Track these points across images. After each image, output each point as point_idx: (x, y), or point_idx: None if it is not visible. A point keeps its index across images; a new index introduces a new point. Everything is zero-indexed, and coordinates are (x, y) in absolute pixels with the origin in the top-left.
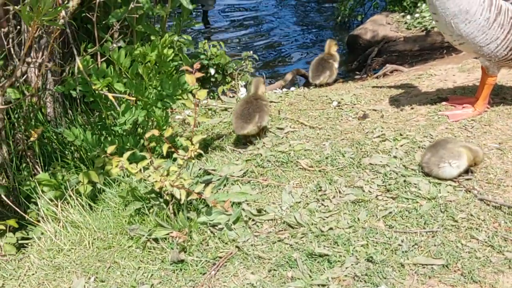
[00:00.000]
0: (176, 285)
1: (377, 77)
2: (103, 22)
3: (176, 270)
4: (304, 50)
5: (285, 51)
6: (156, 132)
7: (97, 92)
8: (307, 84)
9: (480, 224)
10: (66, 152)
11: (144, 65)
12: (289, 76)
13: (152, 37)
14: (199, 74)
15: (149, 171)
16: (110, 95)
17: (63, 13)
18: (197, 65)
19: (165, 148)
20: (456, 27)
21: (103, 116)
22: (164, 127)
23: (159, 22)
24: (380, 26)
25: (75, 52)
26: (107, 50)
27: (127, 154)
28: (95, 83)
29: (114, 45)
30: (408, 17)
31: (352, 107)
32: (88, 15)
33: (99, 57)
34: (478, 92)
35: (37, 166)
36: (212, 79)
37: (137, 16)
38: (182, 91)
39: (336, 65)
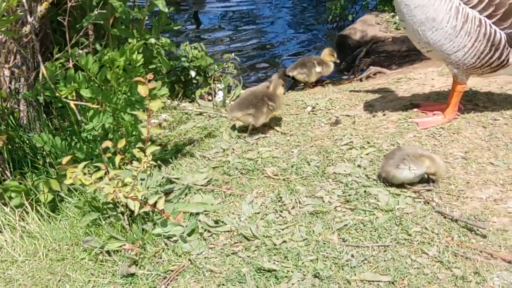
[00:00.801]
0: None
1: (360, 80)
2: (77, 26)
3: (126, 284)
4: (294, 50)
5: (274, 51)
6: (109, 144)
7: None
8: (294, 86)
9: (433, 238)
10: (38, 158)
11: (113, 71)
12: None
13: (130, 40)
14: (153, 85)
15: (103, 182)
16: (72, 103)
17: (30, 19)
18: (150, 76)
19: (117, 159)
20: (423, 35)
21: (73, 121)
22: (134, 133)
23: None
24: (370, 26)
25: (40, 59)
26: (73, 55)
27: (82, 165)
28: (61, 89)
29: (81, 51)
30: (397, 17)
31: (326, 112)
32: (60, 19)
33: (70, 62)
34: (449, 99)
35: (6, 172)
36: (194, 81)
37: (113, 19)
38: (151, 96)
39: (318, 69)
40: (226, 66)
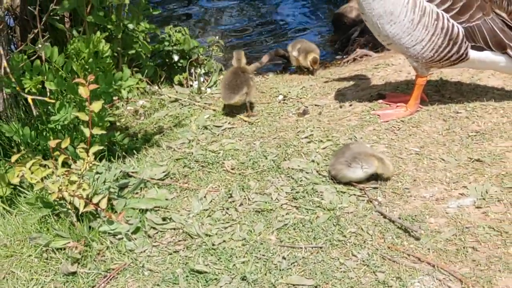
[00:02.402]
0: None
1: (348, 62)
2: (51, 14)
3: (67, 282)
4: (290, 30)
5: (269, 31)
6: (53, 144)
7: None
8: (286, 69)
9: (365, 240)
10: (13, 147)
11: (78, 62)
12: (265, 58)
13: (109, 26)
14: (93, 86)
15: (50, 180)
16: (29, 97)
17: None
18: (91, 77)
19: (60, 159)
20: (382, 28)
21: (41, 112)
22: (101, 124)
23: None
24: None
25: (1, 52)
26: (31, 48)
27: (30, 163)
28: (26, 82)
29: (46, 42)
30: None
31: (297, 102)
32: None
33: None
34: (412, 92)
35: None
36: (179, 65)
37: (90, 6)
38: (117, 87)
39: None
40: (211, 49)
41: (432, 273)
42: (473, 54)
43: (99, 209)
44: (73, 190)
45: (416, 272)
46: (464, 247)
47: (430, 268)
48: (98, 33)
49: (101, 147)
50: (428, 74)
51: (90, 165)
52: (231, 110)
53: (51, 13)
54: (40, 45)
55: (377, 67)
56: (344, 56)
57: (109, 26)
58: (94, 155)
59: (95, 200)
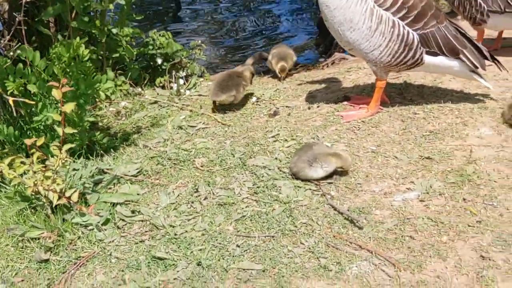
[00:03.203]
0: (35, 282)
1: (327, 65)
2: (36, 20)
3: (40, 269)
4: (282, 34)
5: (261, 34)
6: (29, 142)
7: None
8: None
9: (314, 230)
10: None
11: (60, 66)
12: (250, 61)
13: (94, 31)
14: (67, 89)
15: (27, 176)
16: (10, 99)
17: None
18: (64, 80)
19: (35, 156)
20: (343, 35)
21: (24, 112)
22: (80, 124)
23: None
24: None
25: None
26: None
27: (8, 160)
28: (8, 84)
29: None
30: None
31: (270, 103)
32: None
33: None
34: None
35: None
36: (164, 68)
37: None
38: (96, 90)
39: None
40: (193, 52)
41: (369, 258)
42: (428, 59)
43: (72, 202)
44: (47, 185)
45: (355, 258)
46: (402, 236)
47: (369, 254)
48: (78, 38)
49: (73, 145)
50: (387, 77)
51: (63, 161)
52: (206, 109)
53: (36, 19)
54: (20, 50)
55: (349, 70)
56: (327, 59)
57: (93, 31)
58: (67, 152)
59: (68, 194)
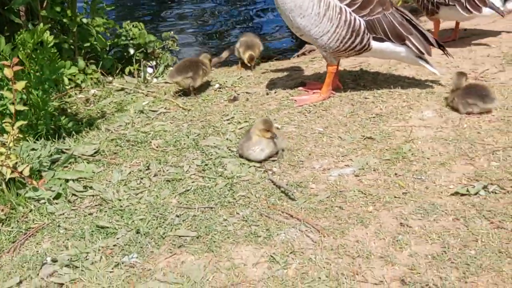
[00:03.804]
0: None
1: (297, 56)
2: (5, 8)
3: None
4: (267, 28)
5: (246, 29)
6: None
7: None
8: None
9: (251, 202)
10: None
11: (24, 52)
12: (225, 54)
13: (65, 20)
14: (17, 68)
15: None
16: None
17: None
18: (15, 60)
19: None
20: (293, 21)
21: None
22: (45, 107)
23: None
24: None
25: None
26: None
27: None
28: None
29: None
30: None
31: (232, 90)
32: None
33: None
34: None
35: None
36: (137, 58)
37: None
38: (59, 75)
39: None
40: (166, 43)
41: (297, 226)
42: (375, 44)
43: (24, 177)
44: (1, 160)
45: (285, 225)
46: (332, 207)
47: (298, 222)
48: (41, 24)
49: (25, 122)
50: (337, 62)
51: (15, 137)
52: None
53: (5, 7)
54: None
55: (313, 60)
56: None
57: (64, 20)
58: (18, 129)
59: (20, 169)
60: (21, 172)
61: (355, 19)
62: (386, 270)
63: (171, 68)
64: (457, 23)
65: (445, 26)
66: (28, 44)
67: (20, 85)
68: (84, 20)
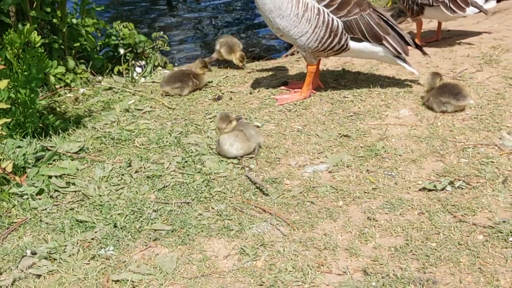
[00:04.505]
0: None
1: (286, 56)
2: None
3: None
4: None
5: (244, 33)
6: None
7: None
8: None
9: (226, 197)
10: None
11: (12, 51)
12: (215, 55)
13: (55, 21)
14: (1, 67)
15: None
16: None
17: None
18: None
19: None
20: (273, 21)
21: None
22: (33, 106)
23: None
24: None
25: None
26: None
27: None
28: None
29: None
30: None
31: (217, 89)
32: None
33: None
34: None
35: None
36: (127, 58)
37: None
38: (46, 74)
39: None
40: (156, 44)
41: (269, 220)
42: (353, 45)
43: (7, 172)
44: None
45: (257, 219)
46: (303, 201)
47: (269, 216)
48: (28, 24)
49: (8, 120)
50: (316, 62)
51: None
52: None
53: None
54: None
55: (298, 60)
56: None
57: (54, 21)
58: (1, 126)
59: (3, 165)
60: (4, 168)
61: (333, 20)
62: (350, 261)
63: (159, 68)
64: (440, 24)
65: (429, 27)
66: (15, 44)
67: (2, 83)
68: (74, 21)
